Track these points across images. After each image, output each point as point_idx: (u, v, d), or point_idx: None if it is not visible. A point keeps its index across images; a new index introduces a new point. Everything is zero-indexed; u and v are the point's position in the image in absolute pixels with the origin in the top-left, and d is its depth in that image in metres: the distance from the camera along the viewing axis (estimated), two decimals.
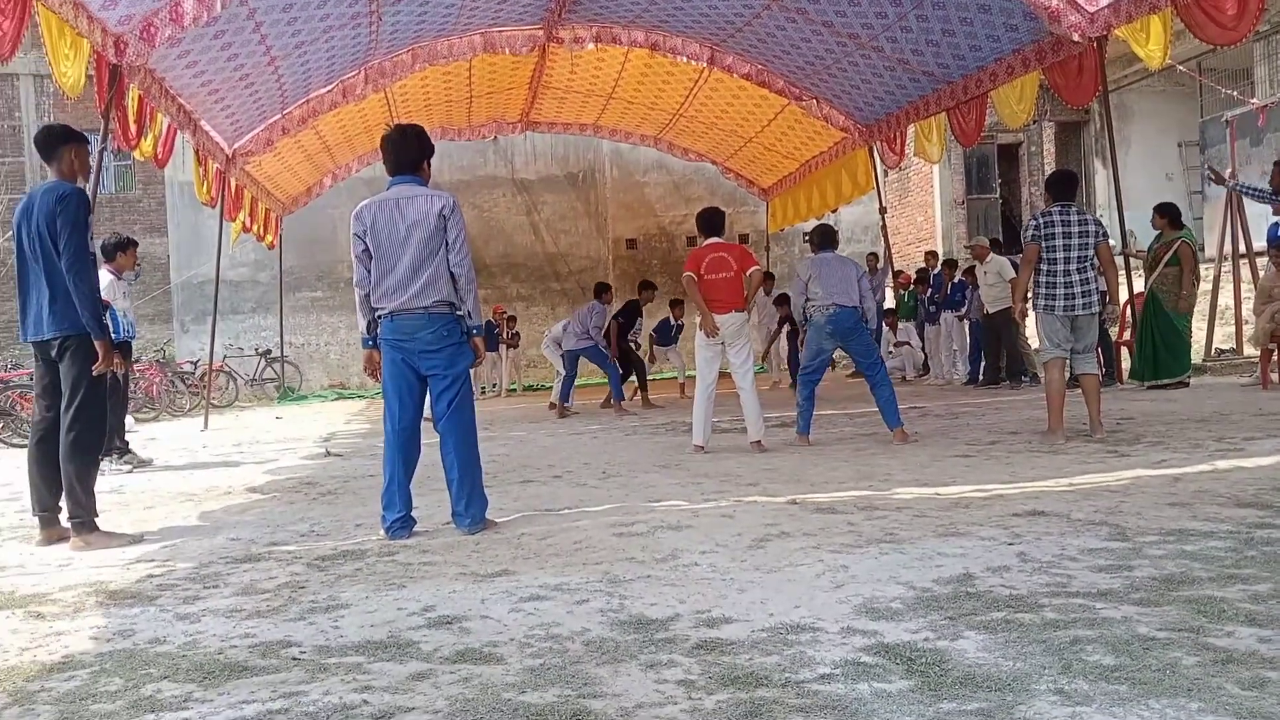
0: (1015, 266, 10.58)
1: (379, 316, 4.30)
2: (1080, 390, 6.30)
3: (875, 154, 12.46)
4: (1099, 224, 6.19)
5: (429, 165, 4.41)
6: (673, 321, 12.86)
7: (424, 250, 4.18)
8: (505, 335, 14.81)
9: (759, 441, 6.64)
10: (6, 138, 20.16)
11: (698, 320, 6.83)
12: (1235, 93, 11.93)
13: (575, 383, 11.08)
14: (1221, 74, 13.49)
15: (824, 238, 7.20)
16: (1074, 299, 6.03)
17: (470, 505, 4.25)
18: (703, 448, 6.70)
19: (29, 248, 4.48)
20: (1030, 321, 6.74)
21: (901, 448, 6.37)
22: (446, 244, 4.22)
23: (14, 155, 20.16)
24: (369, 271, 4.26)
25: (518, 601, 3.06)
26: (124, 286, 7.91)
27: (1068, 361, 6.20)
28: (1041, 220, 6.12)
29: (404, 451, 4.28)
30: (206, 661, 2.57)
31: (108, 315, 7.03)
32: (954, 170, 17.84)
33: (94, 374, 4.42)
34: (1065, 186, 6.36)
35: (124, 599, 3.34)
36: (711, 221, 6.92)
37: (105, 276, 7.33)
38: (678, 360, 12.94)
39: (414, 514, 4.32)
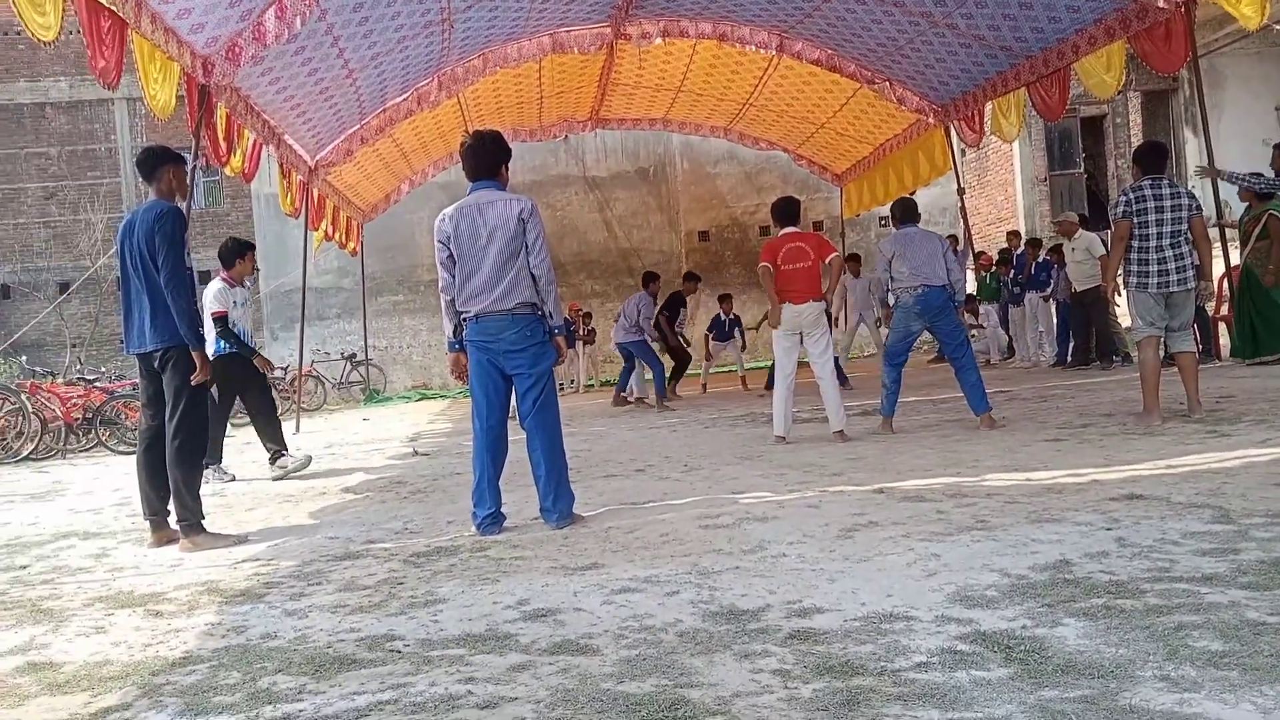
0: (1104, 243, 10.28)
1: (464, 319, 4.40)
2: (1177, 369, 6.10)
3: (952, 133, 12.20)
4: (1192, 197, 5.97)
5: (507, 169, 4.49)
6: (723, 317, 12.67)
7: (505, 253, 4.27)
8: (581, 332, 14.94)
9: (841, 431, 6.57)
10: (104, 160, 21.08)
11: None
12: None
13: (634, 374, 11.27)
14: None
15: (905, 211, 6.97)
16: (1168, 275, 5.84)
17: (558, 500, 4.33)
18: (784, 438, 6.65)
19: (131, 264, 4.70)
20: (1121, 300, 6.49)
21: (990, 433, 6.26)
22: (526, 246, 4.30)
23: (111, 176, 21.06)
24: (453, 277, 4.36)
25: (609, 594, 3.11)
26: (241, 294, 7.43)
27: (1162, 340, 6.01)
28: (1132, 195, 5.93)
29: (492, 449, 4.37)
30: (317, 655, 2.68)
31: (228, 327, 7.20)
32: (1035, 146, 17.35)
33: (193, 384, 4.62)
34: (1155, 158, 6.13)
35: (234, 597, 3.50)
36: (786, 211, 6.83)
37: (215, 284, 7.33)
38: (736, 354, 12.80)
39: (504, 510, 4.42)
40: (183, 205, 5.09)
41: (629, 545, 3.83)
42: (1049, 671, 2.16)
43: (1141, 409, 6.04)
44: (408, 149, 13.80)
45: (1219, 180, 8.41)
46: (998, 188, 18.59)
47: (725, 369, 14.60)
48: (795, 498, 4.55)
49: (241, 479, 7.27)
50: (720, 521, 4.13)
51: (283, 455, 7.24)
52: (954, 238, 14.11)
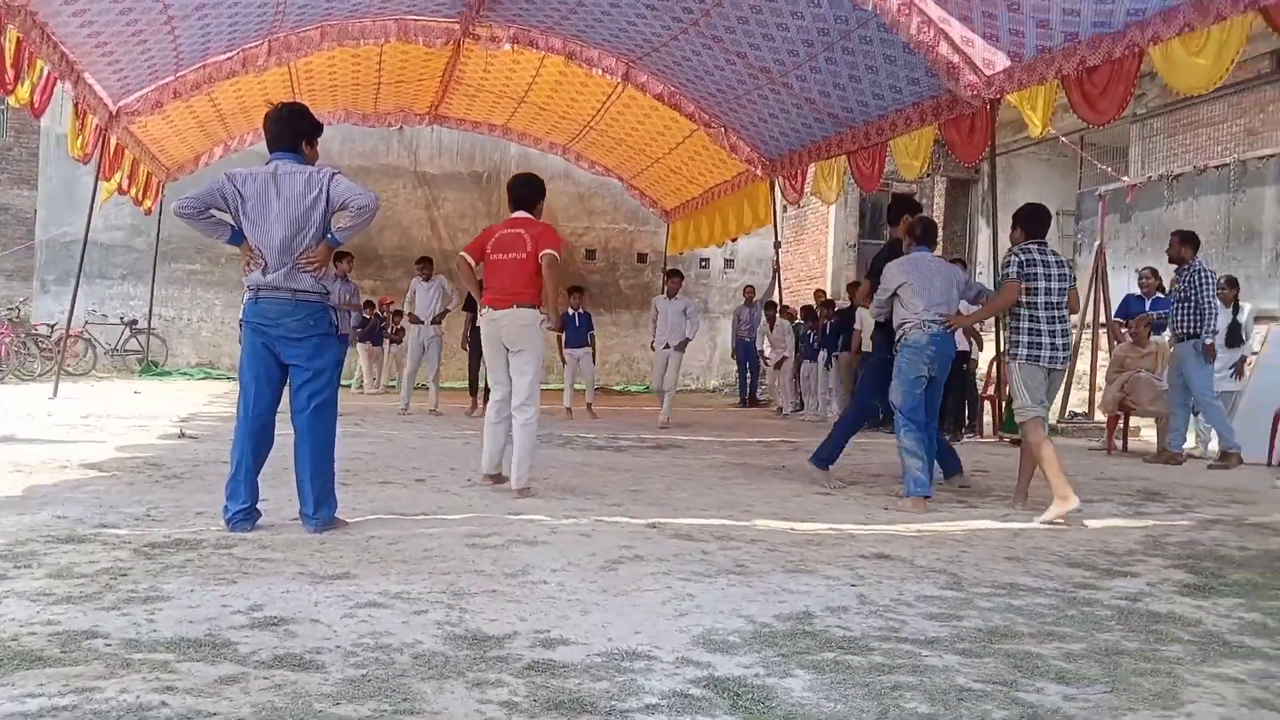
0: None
1: (244, 299, 4.12)
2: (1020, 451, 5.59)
3: (776, 189, 12.72)
4: (1068, 265, 5.54)
5: (314, 147, 4.26)
6: (570, 312, 11.11)
7: (294, 229, 4.03)
8: (390, 330, 14.44)
9: (524, 489, 5.30)
10: None
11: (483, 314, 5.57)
12: (1110, 169, 12.65)
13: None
14: (1101, 149, 14.28)
15: (925, 230, 5.93)
16: (1058, 349, 5.34)
17: (320, 508, 4.10)
18: (496, 478, 5.53)
19: None
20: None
21: (769, 481, 6.46)
22: (336, 205, 4.04)
23: None
24: (203, 209, 4.07)
25: (353, 607, 2.96)
26: None
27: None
28: (1023, 257, 5.33)
29: (254, 440, 4.09)
30: None
31: None
32: (849, 213, 18.36)
33: None
34: (1041, 221, 5.54)
35: None
36: (518, 190, 5.65)
37: None
38: (588, 366, 11.32)
39: (260, 506, 4.15)
40: None
41: (387, 557, 3.68)
42: None
43: (1060, 495, 5.00)
44: (226, 111, 13.00)
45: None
46: (811, 247, 19.53)
47: (554, 386, 12.53)
48: (570, 524, 4.52)
49: None
50: (489, 542, 4.04)
51: None
52: (751, 288, 14.61)
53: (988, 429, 10.04)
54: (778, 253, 13.91)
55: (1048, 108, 7.77)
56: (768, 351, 13.97)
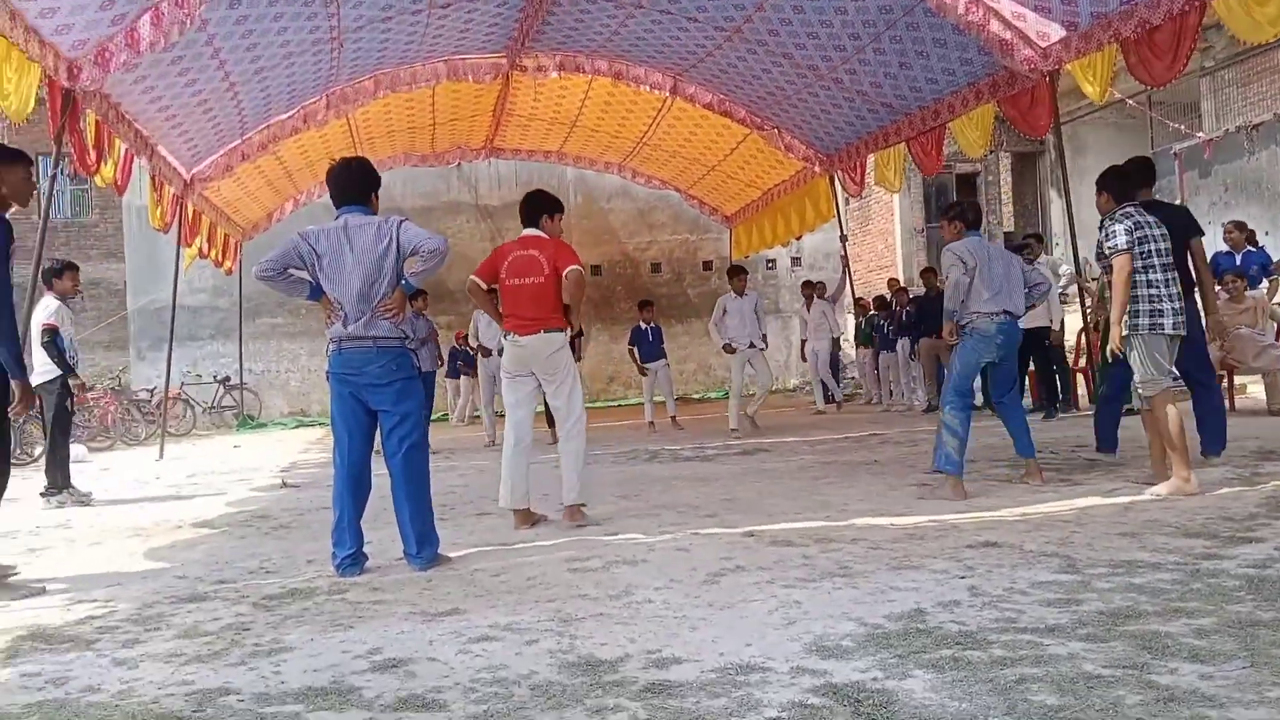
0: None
1: (328, 351, 4.25)
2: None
3: (836, 183, 12.60)
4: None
5: (376, 198, 4.37)
6: (644, 326, 11.35)
7: (370, 279, 4.14)
8: (469, 364, 14.65)
9: (575, 507, 5.19)
10: None
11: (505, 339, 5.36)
12: (1183, 126, 12.22)
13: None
14: (1170, 107, 13.82)
15: (977, 214, 5.69)
16: (1179, 314, 4.96)
17: (423, 547, 4.20)
18: (524, 513, 5.20)
19: None
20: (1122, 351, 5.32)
21: (861, 477, 6.38)
22: (407, 252, 4.13)
23: None
24: (282, 270, 4.22)
25: (466, 642, 3.02)
26: (69, 312, 7.56)
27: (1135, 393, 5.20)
28: (1127, 223, 4.99)
29: (353, 488, 4.20)
30: (140, 712, 2.50)
31: (62, 342, 7.02)
32: (913, 198, 18.10)
33: (11, 416, 4.17)
34: (1131, 180, 5.22)
35: (60, 643, 3.25)
36: (529, 207, 5.35)
37: (52, 302, 7.27)
38: (665, 379, 11.39)
39: (366, 549, 4.26)
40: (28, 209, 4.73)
41: (493, 589, 3.74)
42: None
43: (1179, 476, 4.86)
44: (292, 167, 13.42)
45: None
46: (879, 236, 19.28)
47: (633, 402, 13.18)
48: (666, 540, 4.53)
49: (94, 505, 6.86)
50: (589, 565, 4.07)
51: (56, 494, 7.05)
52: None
53: (1083, 401, 9.76)
54: (844, 246, 13.76)
55: (1106, 74, 7.55)
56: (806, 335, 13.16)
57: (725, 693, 2.46)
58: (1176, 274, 5.02)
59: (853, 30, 9.08)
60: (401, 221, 4.23)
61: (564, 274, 5.05)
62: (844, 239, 13.70)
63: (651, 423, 11.11)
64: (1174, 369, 5.11)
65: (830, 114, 11.11)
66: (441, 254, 4.16)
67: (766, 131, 12.11)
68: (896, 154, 11.00)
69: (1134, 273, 4.95)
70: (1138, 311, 4.98)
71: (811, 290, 13.25)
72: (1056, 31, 7.86)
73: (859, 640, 2.83)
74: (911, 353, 11.71)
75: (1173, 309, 4.94)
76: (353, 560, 4.15)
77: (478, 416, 14.69)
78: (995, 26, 7.88)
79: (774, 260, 18.16)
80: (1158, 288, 4.95)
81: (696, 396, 17.23)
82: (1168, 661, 2.48)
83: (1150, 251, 4.97)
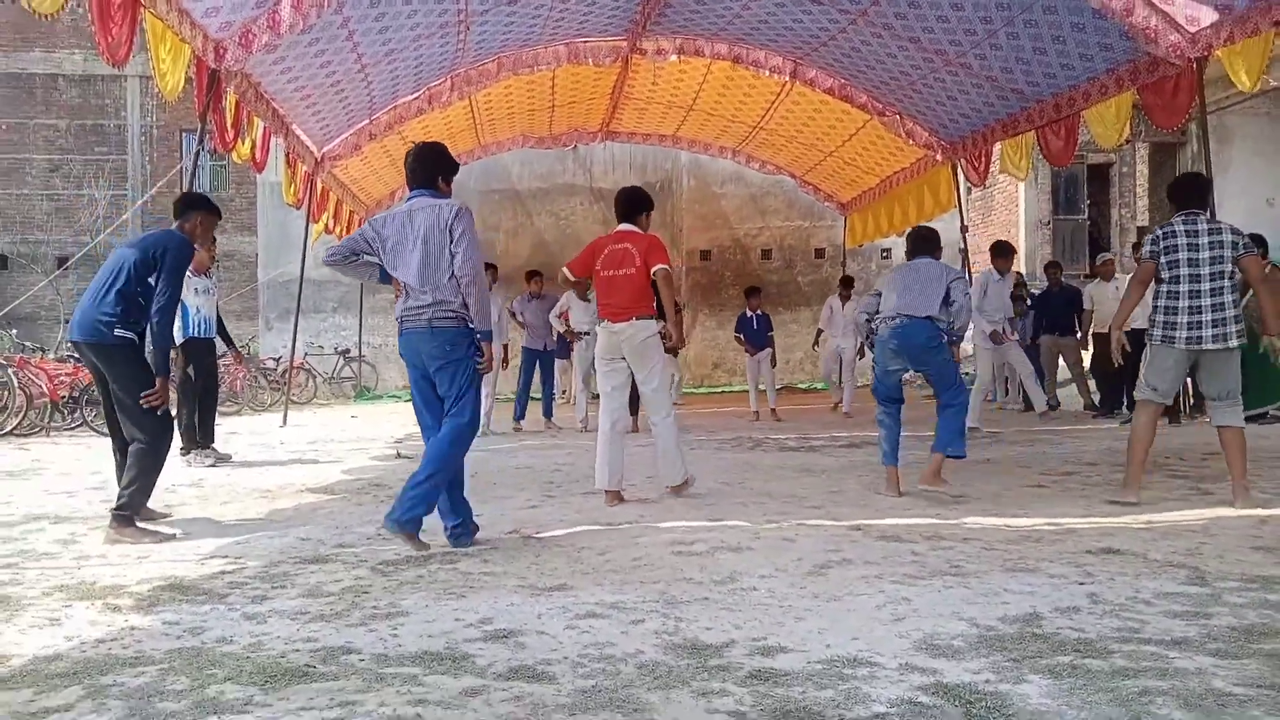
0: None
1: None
2: (1221, 446, 5.08)
3: (958, 172, 12.23)
4: (1238, 233, 5.00)
5: (448, 183, 4.43)
6: (749, 314, 11.34)
7: (429, 261, 4.19)
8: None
9: (681, 484, 5.60)
10: (111, 136, 21.06)
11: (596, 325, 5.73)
12: None
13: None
14: None
15: (914, 243, 5.99)
16: (1200, 329, 4.89)
17: (405, 512, 4.12)
18: (615, 494, 5.42)
19: (115, 263, 4.78)
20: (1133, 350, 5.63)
21: (974, 476, 6.21)
22: (450, 245, 4.18)
23: (118, 153, 21.03)
24: (348, 254, 4.38)
25: (574, 618, 3.08)
26: (201, 283, 7.85)
27: (1161, 407, 5.16)
28: (1160, 233, 5.10)
29: None
30: (269, 664, 2.64)
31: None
32: (1040, 190, 17.40)
33: (144, 406, 4.62)
34: (1191, 191, 5.23)
35: (196, 595, 3.46)
36: (626, 203, 5.78)
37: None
38: (767, 369, 11.37)
39: (476, 520, 4.37)
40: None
41: (599, 568, 3.79)
42: None
43: (1122, 481, 5.18)
44: None
45: None
46: (1001, 228, 18.62)
47: (737, 389, 13.55)
48: (772, 529, 4.51)
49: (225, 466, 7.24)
50: (694, 549, 4.09)
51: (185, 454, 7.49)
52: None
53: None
54: (964, 237, 13.35)
55: (1262, 61, 7.08)
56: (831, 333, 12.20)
57: (832, 685, 2.44)
58: (1212, 287, 4.92)
59: (985, 14, 8.77)
60: (458, 211, 4.24)
61: (652, 272, 5.41)
62: (964, 230, 13.29)
63: (756, 412, 11.07)
64: (1180, 388, 5.21)
65: (956, 100, 10.77)
66: (470, 279, 4.17)
67: (888, 118, 11.83)
68: (1025, 142, 10.58)
69: (1160, 283, 5.06)
70: (1154, 321, 5.11)
71: (850, 288, 12.54)
72: (1207, 15, 7.40)
73: (971, 641, 2.76)
74: (1030, 349, 11.32)
75: (1190, 322, 4.93)
76: (462, 529, 4.27)
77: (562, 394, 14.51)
78: (1140, 12, 7.48)
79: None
80: (1178, 299, 4.97)
81: (802, 386, 17.04)
82: None
83: (1179, 261, 4.98)
